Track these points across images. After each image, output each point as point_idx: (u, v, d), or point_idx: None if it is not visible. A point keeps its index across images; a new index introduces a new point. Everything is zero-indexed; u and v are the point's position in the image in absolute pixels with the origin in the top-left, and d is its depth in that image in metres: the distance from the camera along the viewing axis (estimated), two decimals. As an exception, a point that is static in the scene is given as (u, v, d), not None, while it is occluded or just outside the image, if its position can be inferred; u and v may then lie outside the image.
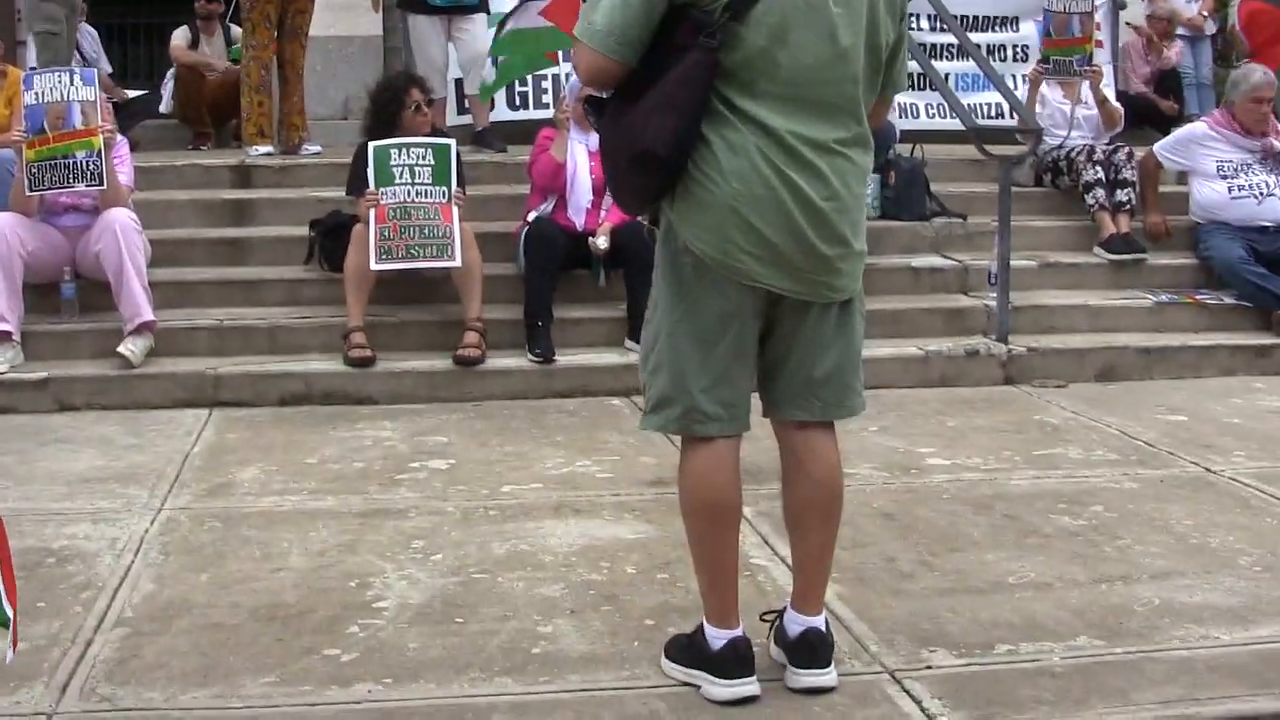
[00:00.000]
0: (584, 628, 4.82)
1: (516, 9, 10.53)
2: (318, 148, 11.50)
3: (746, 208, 3.94)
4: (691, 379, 4.11)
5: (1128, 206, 10.44)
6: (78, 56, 12.78)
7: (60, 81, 8.64)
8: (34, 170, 8.48)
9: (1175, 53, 14.38)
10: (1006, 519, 6.10)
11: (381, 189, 8.65)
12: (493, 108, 11.84)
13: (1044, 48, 11.24)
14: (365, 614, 4.95)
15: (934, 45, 13.22)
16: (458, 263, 8.59)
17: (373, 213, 8.57)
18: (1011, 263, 9.28)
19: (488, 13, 11.23)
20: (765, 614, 4.52)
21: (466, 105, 11.81)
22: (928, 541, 5.78)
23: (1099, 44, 11.79)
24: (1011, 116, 10.89)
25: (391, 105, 9.14)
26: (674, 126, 3.90)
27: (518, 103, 12.43)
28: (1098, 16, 11.73)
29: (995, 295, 9.25)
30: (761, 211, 3.95)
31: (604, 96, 4.15)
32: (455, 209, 8.69)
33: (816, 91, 3.97)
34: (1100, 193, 10.43)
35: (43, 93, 8.58)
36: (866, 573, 5.37)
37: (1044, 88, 11.23)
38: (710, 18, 3.88)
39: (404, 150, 8.77)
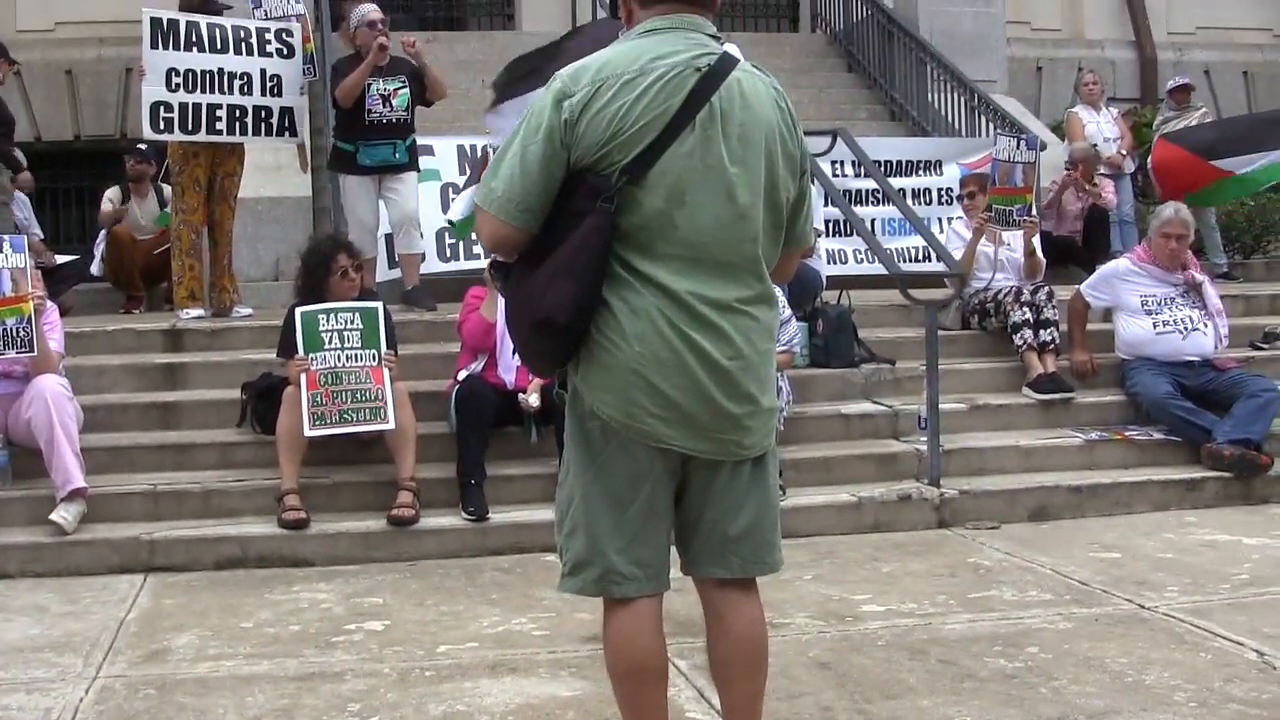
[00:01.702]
0: (519, 788, 4.81)
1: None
2: (249, 310, 11.51)
3: (650, 370, 3.95)
4: (606, 540, 4.10)
5: (1052, 346, 10.60)
6: (10, 224, 12.83)
7: (-11, 250, 8.66)
8: (-37, 337, 8.48)
9: (1110, 191, 14.55)
10: (942, 664, 6.12)
11: (311, 354, 8.69)
12: (424, 260, 11.90)
13: (989, 195, 11.38)
14: (300, 782, 4.93)
15: (858, 191, 13.45)
16: (391, 425, 8.62)
17: (304, 378, 8.59)
18: (941, 406, 9.37)
19: (417, 170, 11.34)
20: (701, 769, 4.53)
21: (397, 261, 11.85)
22: (864, 689, 5.79)
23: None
24: (937, 260, 11.03)
25: (319, 270, 9.16)
26: (573, 292, 3.91)
27: (449, 255, 12.51)
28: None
29: (926, 439, 9.33)
30: (665, 373, 3.96)
31: (509, 261, 4.18)
32: (386, 371, 8.72)
33: (715, 251, 3.99)
34: (1028, 333, 10.58)
35: (-29, 262, 8.59)
36: (802, 724, 5.39)
37: (965, 230, 11.43)
38: (607, 182, 3.91)
39: (332, 315, 8.81)
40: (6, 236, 9.07)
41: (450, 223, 10.65)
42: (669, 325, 3.94)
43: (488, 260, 8.65)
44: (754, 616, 4.27)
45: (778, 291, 4.30)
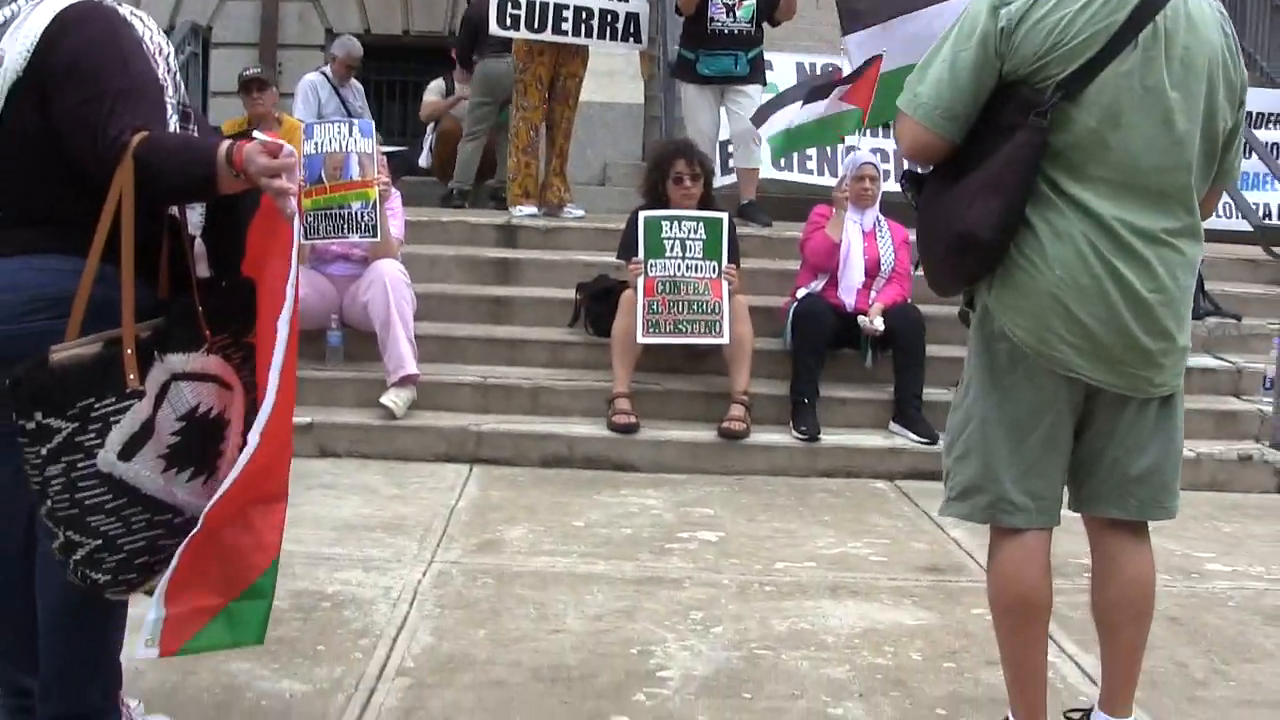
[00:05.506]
0: (875, 712, 4.71)
1: (790, 105, 10.43)
2: (581, 211, 11.52)
3: (1069, 296, 3.79)
4: (1001, 468, 3.97)
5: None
6: (343, 110, 13.03)
7: (339, 133, 8.68)
8: (309, 219, 8.54)
9: None
10: (1299, 632, 5.87)
11: (651, 260, 8.65)
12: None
13: None
14: (650, 683, 4.89)
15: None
16: (725, 340, 8.55)
17: (641, 284, 8.58)
18: (1288, 368, 9.00)
19: (763, 84, 11.16)
20: (1069, 712, 4.39)
21: (730, 170, 11.76)
22: (1218, 649, 5.57)
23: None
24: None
25: (654, 173, 9.18)
26: (999, 209, 3.77)
27: (783, 163, 12.34)
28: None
29: (1271, 400, 8.99)
30: (1084, 300, 3.79)
31: (922, 172, 4.06)
32: (725, 284, 8.64)
33: (1147, 178, 3.80)
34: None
35: (322, 143, 8.63)
36: (1159, 678, 5.19)
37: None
38: (1041, 96, 3.75)
39: (675, 223, 8.74)
40: (356, 120, 9.16)
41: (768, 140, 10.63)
42: (1093, 251, 3.78)
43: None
44: (1146, 561, 4.12)
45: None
